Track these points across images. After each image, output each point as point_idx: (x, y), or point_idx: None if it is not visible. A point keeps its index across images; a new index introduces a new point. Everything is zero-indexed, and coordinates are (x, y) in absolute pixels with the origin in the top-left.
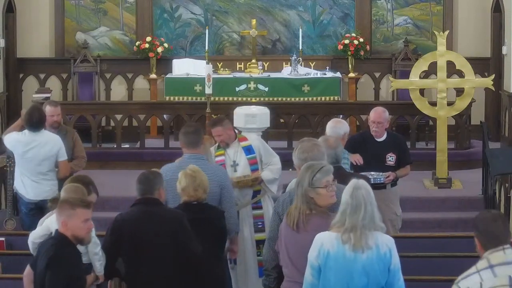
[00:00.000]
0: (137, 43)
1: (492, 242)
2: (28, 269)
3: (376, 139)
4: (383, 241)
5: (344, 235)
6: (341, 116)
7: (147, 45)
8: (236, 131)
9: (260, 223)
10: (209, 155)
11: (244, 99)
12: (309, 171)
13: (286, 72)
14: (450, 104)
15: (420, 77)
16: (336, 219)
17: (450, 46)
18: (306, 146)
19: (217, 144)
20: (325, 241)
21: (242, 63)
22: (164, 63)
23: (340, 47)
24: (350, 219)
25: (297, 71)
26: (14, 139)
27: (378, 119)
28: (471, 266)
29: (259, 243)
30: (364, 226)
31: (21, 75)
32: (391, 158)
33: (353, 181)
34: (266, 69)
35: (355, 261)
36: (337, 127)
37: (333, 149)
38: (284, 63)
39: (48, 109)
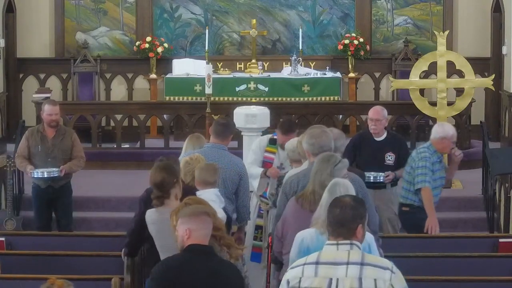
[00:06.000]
0: (137, 43)
1: (332, 232)
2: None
3: (376, 139)
4: None
5: (322, 227)
6: (340, 116)
7: (147, 45)
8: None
9: (261, 210)
10: None
11: (244, 99)
12: (331, 161)
13: (286, 72)
14: (450, 104)
15: (420, 77)
16: (316, 215)
17: (450, 46)
18: (315, 132)
19: (268, 137)
20: (305, 237)
21: (242, 63)
22: (164, 63)
23: (340, 47)
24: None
25: (297, 71)
26: None
27: (376, 116)
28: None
29: (258, 228)
30: None
31: (21, 75)
32: (390, 158)
33: (334, 179)
34: (266, 69)
35: None
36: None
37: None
38: (284, 63)
39: (46, 108)
